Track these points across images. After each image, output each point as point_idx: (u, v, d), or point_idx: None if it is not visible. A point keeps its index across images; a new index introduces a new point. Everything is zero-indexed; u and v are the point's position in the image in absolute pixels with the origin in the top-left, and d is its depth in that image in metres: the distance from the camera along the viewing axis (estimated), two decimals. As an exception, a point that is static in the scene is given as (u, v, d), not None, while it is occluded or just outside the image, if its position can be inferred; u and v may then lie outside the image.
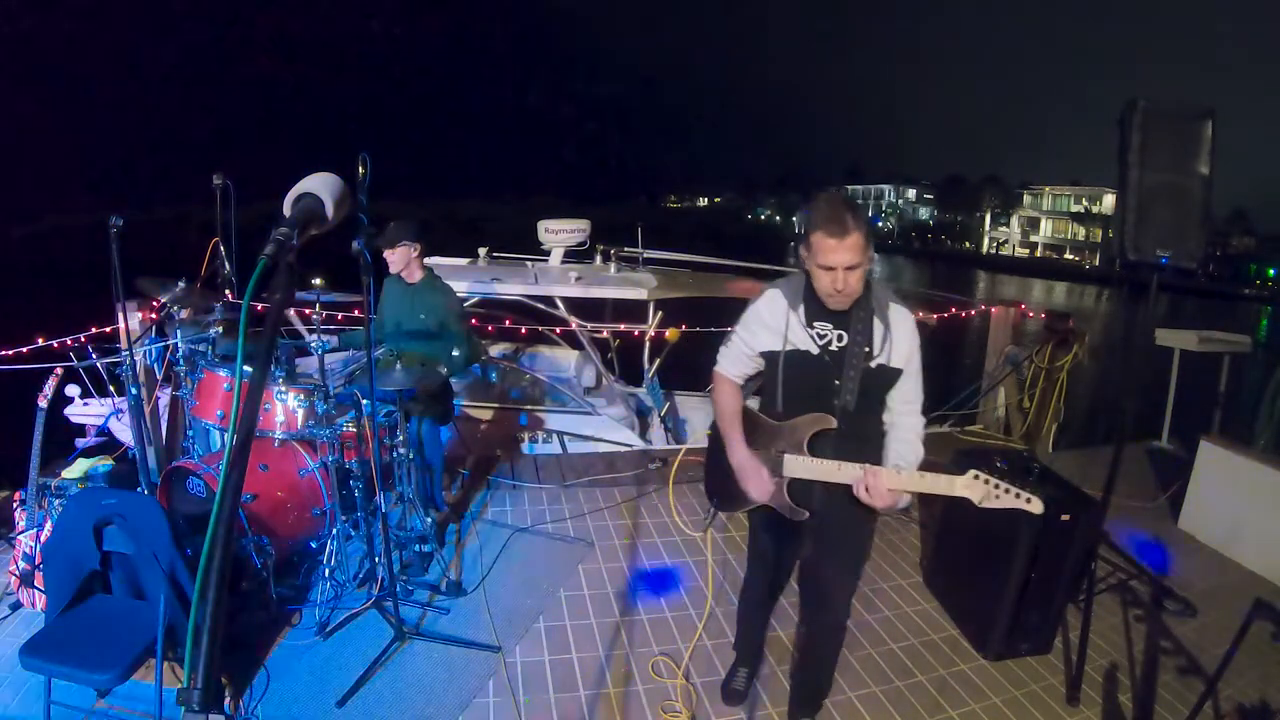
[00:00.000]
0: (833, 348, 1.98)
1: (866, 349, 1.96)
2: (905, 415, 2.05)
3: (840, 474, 1.97)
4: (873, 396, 2.01)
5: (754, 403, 2.23)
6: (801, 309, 2.00)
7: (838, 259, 1.84)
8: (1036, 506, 1.84)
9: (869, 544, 2.37)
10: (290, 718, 2.43)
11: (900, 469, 1.95)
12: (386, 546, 2.91)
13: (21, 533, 2.82)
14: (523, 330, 6.22)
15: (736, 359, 2.16)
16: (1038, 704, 2.72)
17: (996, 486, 1.84)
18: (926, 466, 2.00)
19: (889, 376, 2.00)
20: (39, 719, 2.20)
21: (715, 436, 2.26)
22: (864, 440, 2.06)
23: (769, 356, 2.06)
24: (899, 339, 1.98)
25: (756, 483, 2.05)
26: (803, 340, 2.00)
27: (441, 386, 3.67)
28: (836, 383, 1.97)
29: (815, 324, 1.99)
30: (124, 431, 4.25)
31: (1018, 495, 1.84)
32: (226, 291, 3.88)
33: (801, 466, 2.02)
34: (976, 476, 1.86)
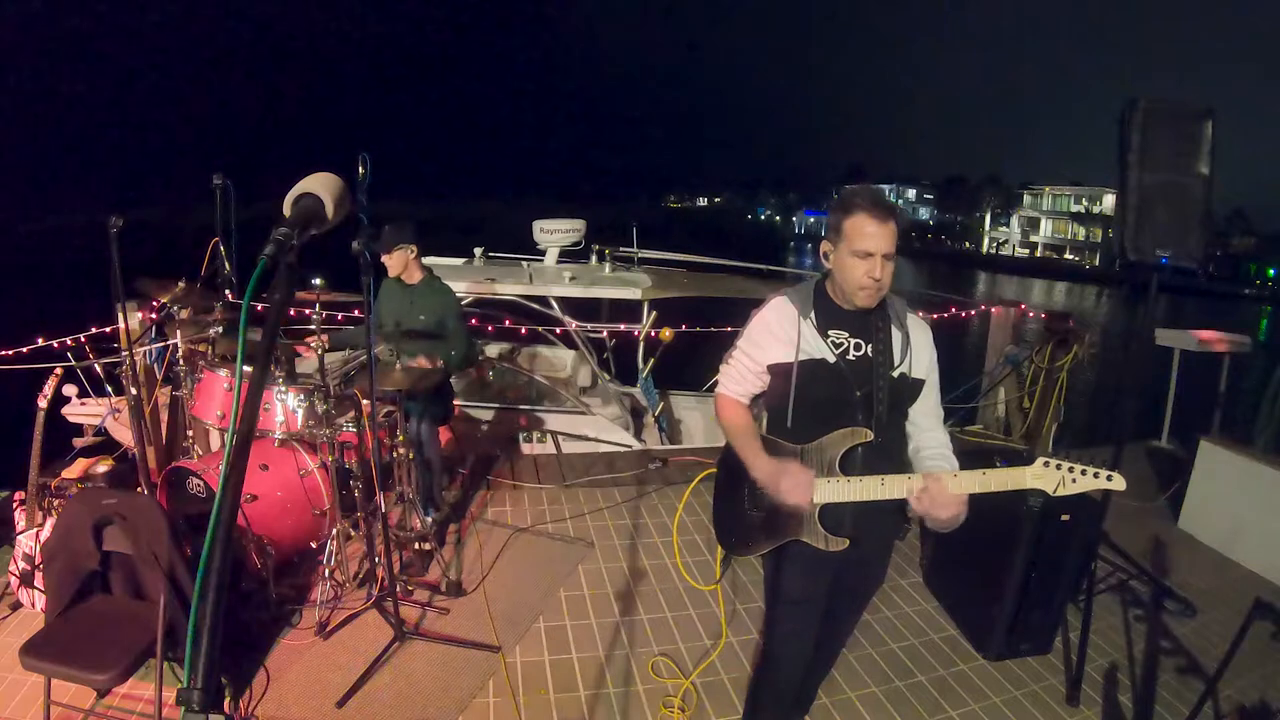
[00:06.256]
0: (850, 357, 1.83)
1: (886, 358, 1.84)
2: (932, 430, 1.92)
3: (885, 490, 1.77)
4: (898, 409, 1.88)
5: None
6: (813, 315, 1.85)
7: (877, 244, 1.72)
8: (1119, 483, 1.68)
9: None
10: (290, 718, 2.43)
11: (956, 474, 1.78)
12: (386, 546, 2.91)
13: (21, 533, 2.82)
14: (522, 330, 6.22)
15: (740, 378, 1.96)
16: (1038, 704, 2.72)
17: (1070, 470, 1.69)
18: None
19: (911, 388, 1.88)
20: (39, 719, 2.20)
21: (723, 471, 2.06)
22: (893, 455, 1.89)
23: (779, 370, 1.87)
24: (919, 348, 1.88)
25: (793, 484, 1.76)
26: (818, 349, 1.83)
27: (440, 387, 3.67)
28: (857, 394, 1.81)
29: (830, 332, 1.84)
30: (121, 431, 4.25)
31: (1096, 475, 1.68)
32: (226, 291, 3.88)
33: (837, 489, 1.80)
34: (1046, 464, 1.71)
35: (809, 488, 1.77)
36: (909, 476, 1.78)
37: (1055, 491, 1.71)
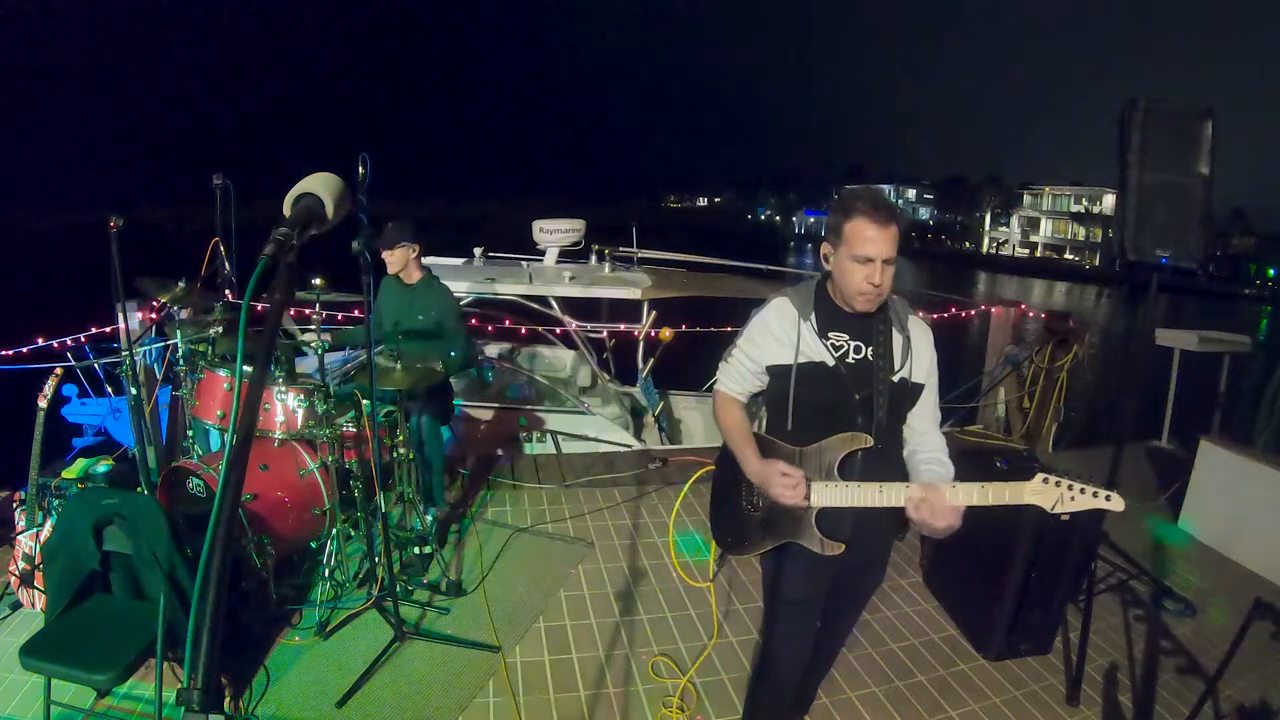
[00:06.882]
0: (849, 360, 1.81)
1: (887, 362, 1.83)
2: (928, 434, 1.90)
3: (884, 497, 1.76)
4: (898, 413, 1.86)
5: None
6: (813, 318, 1.83)
7: (878, 249, 1.70)
8: (1117, 504, 1.66)
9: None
10: (290, 718, 2.43)
11: (955, 485, 1.75)
12: (386, 546, 2.91)
13: (21, 533, 2.82)
14: (522, 330, 6.23)
15: (739, 377, 1.95)
16: (1038, 704, 2.72)
17: (1070, 488, 1.68)
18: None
19: (911, 392, 1.86)
20: (39, 719, 2.20)
21: (721, 470, 2.05)
22: (893, 460, 1.88)
23: (778, 371, 1.86)
24: (920, 352, 1.85)
25: (784, 484, 1.76)
26: (817, 351, 1.82)
27: (441, 386, 3.66)
28: (856, 397, 1.80)
29: (830, 334, 1.82)
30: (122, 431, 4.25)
31: (1095, 494, 1.67)
32: (226, 291, 3.88)
33: (834, 494, 1.79)
34: (1046, 480, 1.69)
35: (802, 488, 1.76)
36: (907, 485, 1.77)
37: (1053, 508, 1.70)
